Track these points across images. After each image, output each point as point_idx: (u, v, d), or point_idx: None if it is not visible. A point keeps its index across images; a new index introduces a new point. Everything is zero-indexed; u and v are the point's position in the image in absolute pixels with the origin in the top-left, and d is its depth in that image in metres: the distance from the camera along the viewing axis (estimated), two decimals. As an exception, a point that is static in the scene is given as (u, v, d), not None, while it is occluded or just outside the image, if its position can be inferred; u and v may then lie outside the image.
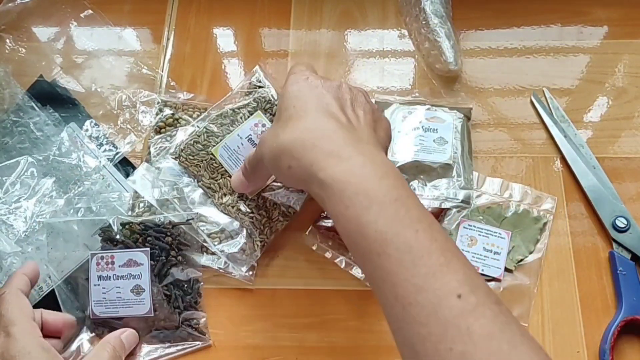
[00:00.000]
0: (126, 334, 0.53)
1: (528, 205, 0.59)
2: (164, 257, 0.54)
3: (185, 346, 0.54)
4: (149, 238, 0.55)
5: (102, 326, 0.54)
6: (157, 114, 0.63)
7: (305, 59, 0.68)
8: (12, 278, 0.50)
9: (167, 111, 0.63)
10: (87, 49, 0.70)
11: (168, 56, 0.69)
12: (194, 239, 0.56)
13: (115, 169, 0.62)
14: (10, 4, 0.71)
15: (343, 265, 0.57)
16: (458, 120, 0.61)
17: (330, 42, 0.69)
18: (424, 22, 0.65)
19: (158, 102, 0.64)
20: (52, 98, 0.67)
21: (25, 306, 0.47)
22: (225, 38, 0.71)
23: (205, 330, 0.55)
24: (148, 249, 0.54)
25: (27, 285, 0.51)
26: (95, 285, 0.53)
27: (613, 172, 0.60)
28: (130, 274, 0.53)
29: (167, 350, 0.54)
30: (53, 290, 0.57)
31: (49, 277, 0.58)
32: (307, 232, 0.59)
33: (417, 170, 0.58)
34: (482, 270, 0.55)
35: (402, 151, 0.59)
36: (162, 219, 0.56)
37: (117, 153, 0.63)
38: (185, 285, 0.55)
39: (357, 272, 0.57)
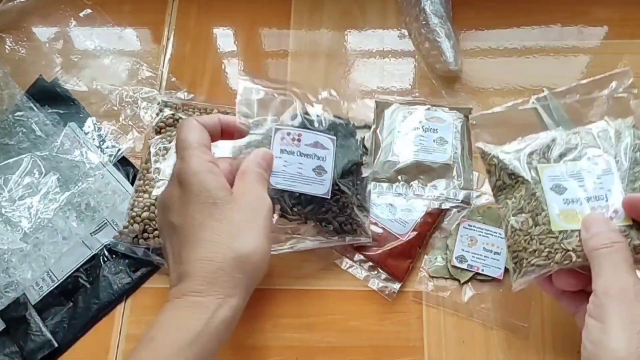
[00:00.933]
0: (262, 153, 0.50)
1: (528, 206, 0.59)
2: (347, 149, 0.55)
3: (346, 238, 0.55)
4: (338, 134, 0.55)
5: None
6: (157, 114, 0.64)
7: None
8: (205, 117, 0.50)
9: (168, 111, 0.63)
10: (87, 48, 0.70)
11: (168, 56, 0.69)
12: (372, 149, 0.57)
13: (115, 169, 0.62)
14: (9, 4, 0.71)
15: (343, 265, 0.57)
16: (458, 120, 0.61)
17: (330, 42, 0.69)
18: (424, 22, 0.65)
19: (159, 103, 0.64)
20: (52, 98, 0.67)
21: (201, 134, 0.48)
22: (225, 38, 0.71)
23: (369, 229, 0.55)
24: (335, 137, 0.54)
25: (214, 127, 0.49)
26: (277, 157, 0.52)
27: (613, 172, 0.60)
28: (315, 154, 0.53)
29: (329, 238, 0.54)
30: (53, 290, 0.57)
31: (49, 277, 0.58)
32: (307, 232, 0.59)
33: (417, 170, 0.58)
34: (482, 270, 0.55)
35: (403, 152, 0.59)
36: (349, 120, 0.57)
37: (118, 150, 0.63)
38: (359, 183, 0.55)
39: (357, 272, 0.57)
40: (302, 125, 0.55)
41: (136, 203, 0.58)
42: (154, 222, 0.57)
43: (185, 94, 0.66)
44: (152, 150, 0.61)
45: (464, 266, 0.56)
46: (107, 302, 0.57)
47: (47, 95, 0.67)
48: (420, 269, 0.57)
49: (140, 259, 0.58)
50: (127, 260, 0.58)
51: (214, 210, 0.44)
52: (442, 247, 0.57)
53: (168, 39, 0.70)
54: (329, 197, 0.52)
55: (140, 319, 0.57)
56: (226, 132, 0.50)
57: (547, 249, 0.45)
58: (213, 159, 0.47)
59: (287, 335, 0.55)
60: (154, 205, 0.57)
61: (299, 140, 0.54)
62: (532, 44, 0.67)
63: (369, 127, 0.58)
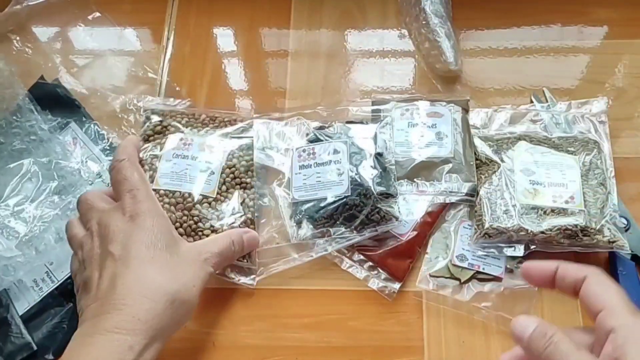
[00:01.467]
0: (248, 235, 0.55)
1: (528, 205, 0.59)
2: (362, 146, 0.58)
3: (377, 228, 0.56)
4: (352, 136, 0.59)
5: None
6: (144, 123, 0.61)
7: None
8: (124, 147, 0.55)
9: (155, 118, 0.61)
10: (88, 49, 0.70)
11: (168, 56, 0.69)
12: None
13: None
14: (18, 6, 0.71)
15: (343, 265, 0.57)
16: (456, 114, 0.60)
17: (330, 42, 0.69)
18: (424, 22, 0.65)
19: (145, 111, 0.62)
20: (53, 99, 0.66)
21: (142, 172, 0.54)
22: (225, 38, 0.71)
23: (398, 213, 0.56)
24: (347, 140, 0.58)
25: (137, 154, 0.56)
26: (296, 174, 0.58)
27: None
28: (330, 160, 0.57)
29: (360, 231, 0.56)
30: (53, 291, 0.57)
31: (49, 277, 0.58)
32: (307, 232, 0.59)
33: (419, 167, 0.58)
34: (483, 269, 0.55)
35: (405, 150, 0.59)
36: (363, 121, 0.61)
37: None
38: (381, 173, 0.56)
39: (356, 271, 0.57)
40: (315, 140, 0.59)
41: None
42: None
43: (173, 100, 0.64)
44: (142, 155, 0.58)
45: (465, 265, 0.55)
46: (106, 302, 0.57)
47: (48, 97, 0.66)
48: (421, 268, 0.57)
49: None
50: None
51: (163, 254, 0.48)
52: (443, 246, 0.57)
53: (168, 39, 0.70)
54: (349, 193, 0.55)
55: (140, 319, 0.57)
56: None
57: (506, 217, 0.53)
58: None
59: (287, 335, 0.55)
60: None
61: (314, 153, 0.58)
62: (532, 44, 0.67)
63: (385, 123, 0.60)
